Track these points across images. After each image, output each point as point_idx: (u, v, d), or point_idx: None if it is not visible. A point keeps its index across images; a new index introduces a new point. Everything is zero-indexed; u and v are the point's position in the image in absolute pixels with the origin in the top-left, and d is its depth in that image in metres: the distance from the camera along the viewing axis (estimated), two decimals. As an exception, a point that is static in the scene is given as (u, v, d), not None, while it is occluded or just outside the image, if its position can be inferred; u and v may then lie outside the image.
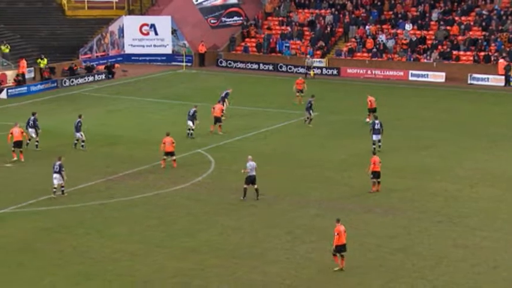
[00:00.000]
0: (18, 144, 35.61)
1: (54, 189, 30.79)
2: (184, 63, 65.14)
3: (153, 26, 67.48)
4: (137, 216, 28.70)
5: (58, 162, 30.86)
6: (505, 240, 26.19)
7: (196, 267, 24.02)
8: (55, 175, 30.62)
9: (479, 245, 25.86)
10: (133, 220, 28.29)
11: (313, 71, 60.88)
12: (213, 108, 41.45)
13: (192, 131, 40.17)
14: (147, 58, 67.04)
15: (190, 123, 40.18)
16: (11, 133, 35.63)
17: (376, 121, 37.74)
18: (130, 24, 67.19)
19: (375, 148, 36.64)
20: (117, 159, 36.29)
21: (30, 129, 37.88)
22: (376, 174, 31.21)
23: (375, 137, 37.42)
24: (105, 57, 64.67)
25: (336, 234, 23.74)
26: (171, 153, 34.48)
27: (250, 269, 23.98)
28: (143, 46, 67.30)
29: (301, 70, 61.86)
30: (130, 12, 70.22)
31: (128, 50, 67.12)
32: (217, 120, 41.07)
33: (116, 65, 62.56)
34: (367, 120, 42.97)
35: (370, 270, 23.88)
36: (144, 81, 59.41)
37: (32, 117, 38.17)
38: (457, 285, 22.73)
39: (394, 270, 23.86)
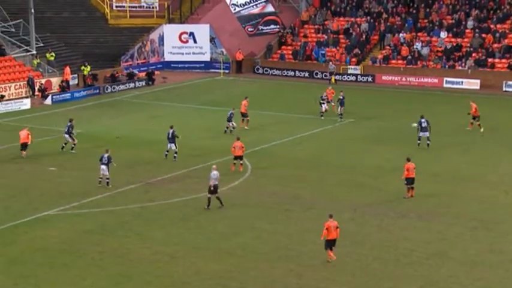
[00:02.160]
0: (23, 146, 37.28)
1: (100, 179, 32.09)
2: (222, 70, 65.39)
3: (192, 34, 67.88)
4: (175, 219, 28.80)
5: (106, 155, 32.08)
6: (540, 246, 25.71)
7: (233, 269, 24.00)
8: (103, 166, 31.91)
9: (514, 250, 25.42)
10: (171, 223, 28.41)
11: (334, 77, 60.54)
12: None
13: (231, 129, 42.11)
14: (186, 65, 67.42)
15: (230, 124, 42.37)
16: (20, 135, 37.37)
17: (423, 119, 38.92)
18: (170, 32, 67.68)
19: (419, 144, 38.55)
20: (157, 164, 36.48)
21: (65, 135, 38.48)
22: (409, 181, 30.87)
23: (421, 134, 38.88)
24: (145, 64, 65.24)
25: (325, 228, 24.02)
26: (240, 157, 34.64)
27: (285, 272, 23.88)
28: (182, 54, 67.72)
29: (337, 77, 61.60)
30: (170, 21, 70.74)
31: (168, 57, 67.60)
32: (243, 115, 43.42)
33: (156, 72, 63.05)
34: (469, 128, 43.13)
35: (405, 275, 23.59)
36: (183, 87, 59.74)
37: (69, 124, 38.71)
38: (492, 291, 22.39)
39: (429, 274, 23.54)
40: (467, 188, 32.37)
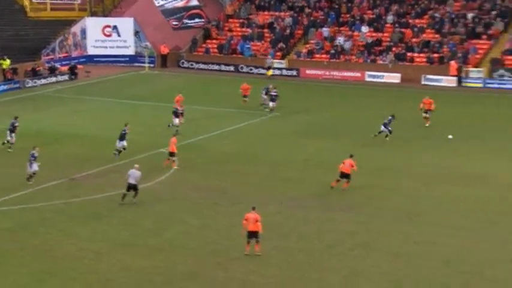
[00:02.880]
0: None
1: (28, 176, 31.30)
2: (147, 64, 64.63)
3: (115, 27, 66.84)
4: (101, 215, 28.26)
5: (31, 151, 31.34)
6: (458, 235, 26.37)
7: (160, 265, 23.72)
8: (28, 163, 31.21)
9: (434, 240, 25.98)
10: (96, 219, 27.85)
11: (272, 71, 60.85)
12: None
13: (172, 125, 40.98)
14: (110, 59, 66.31)
15: (176, 120, 41.27)
16: None
17: (389, 118, 39.56)
18: (93, 25, 66.45)
19: (376, 136, 39.44)
20: (80, 159, 35.73)
21: (8, 131, 37.25)
22: (342, 175, 31.11)
23: (382, 128, 39.50)
24: (67, 58, 63.82)
25: (244, 219, 24.18)
26: (173, 154, 34.23)
27: (213, 265, 23.79)
28: (106, 47, 66.58)
29: (262, 71, 62.01)
30: (93, 14, 69.40)
31: (91, 51, 66.35)
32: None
33: (79, 66, 61.74)
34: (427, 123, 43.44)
35: (330, 266, 23.85)
36: (107, 82, 58.74)
37: (13, 121, 37.47)
38: (412, 280, 22.83)
39: (353, 265, 23.87)
40: (391, 180, 32.94)
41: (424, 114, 43.35)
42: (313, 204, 29.68)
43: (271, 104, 46.38)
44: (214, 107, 48.62)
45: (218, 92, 55.06)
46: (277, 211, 28.77)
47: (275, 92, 46.55)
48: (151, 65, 65.08)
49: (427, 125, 43.04)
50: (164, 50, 65.80)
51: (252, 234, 24.33)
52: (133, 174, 29.10)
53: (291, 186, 32.22)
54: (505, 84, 55.54)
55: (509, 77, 56.15)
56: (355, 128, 42.30)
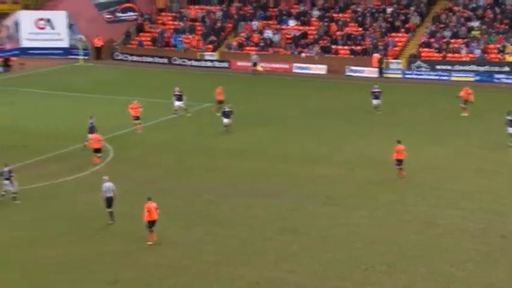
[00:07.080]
0: None
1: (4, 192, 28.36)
2: (81, 57, 63.29)
3: (49, 20, 65.20)
4: (37, 205, 27.59)
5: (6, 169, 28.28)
6: (380, 218, 26.78)
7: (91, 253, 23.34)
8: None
9: (358, 223, 26.31)
10: (33, 208, 27.12)
11: (260, 66, 59.63)
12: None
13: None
14: (45, 52, 64.65)
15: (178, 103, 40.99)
16: None
17: (510, 116, 34.75)
18: (26, 18, 64.61)
19: None
20: (15, 149, 34.71)
21: None
22: (398, 162, 31.07)
23: (510, 129, 35.08)
24: (1, 50, 61.84)
25: (146, 210, 23.84)
26: (98, 150, 33.30)
27: (147, 252, 23.57)
28: (40, 40, 64.87)
29: (194, 63, 61.76)
30: (26, 7, 67.42)
31: (25, 43, 64.50)
32: (219, 102, 42.87)
33: (13, 59, 59.97)
34: (464, 114, 42.12)
35: (259, 250, 23.87)
36: (41, 74, 57.26)
37: None
38: (339, 261, 23.10)
39: (282, 249, 23.96)
40: (316, 167, 33.08)
41: (461, 105, 42.14)
42: (241, 192, 29.61)
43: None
44: (148, 98, 47.80)
45: (152, 83, 54.39)
46: (209, 199, 28.67)
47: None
48: (86, 58, 63.77)
49: (465, 114, 42.13)
50: (98, 42, 64.59)
51: (153, 223, 24.07)
52: (108, 187, 26.55)
53: (221, 174, 32.09)
54: (422, 74, 56.73)
55: (426, 68, 57.41)
56: (283, 118, 42.46)
